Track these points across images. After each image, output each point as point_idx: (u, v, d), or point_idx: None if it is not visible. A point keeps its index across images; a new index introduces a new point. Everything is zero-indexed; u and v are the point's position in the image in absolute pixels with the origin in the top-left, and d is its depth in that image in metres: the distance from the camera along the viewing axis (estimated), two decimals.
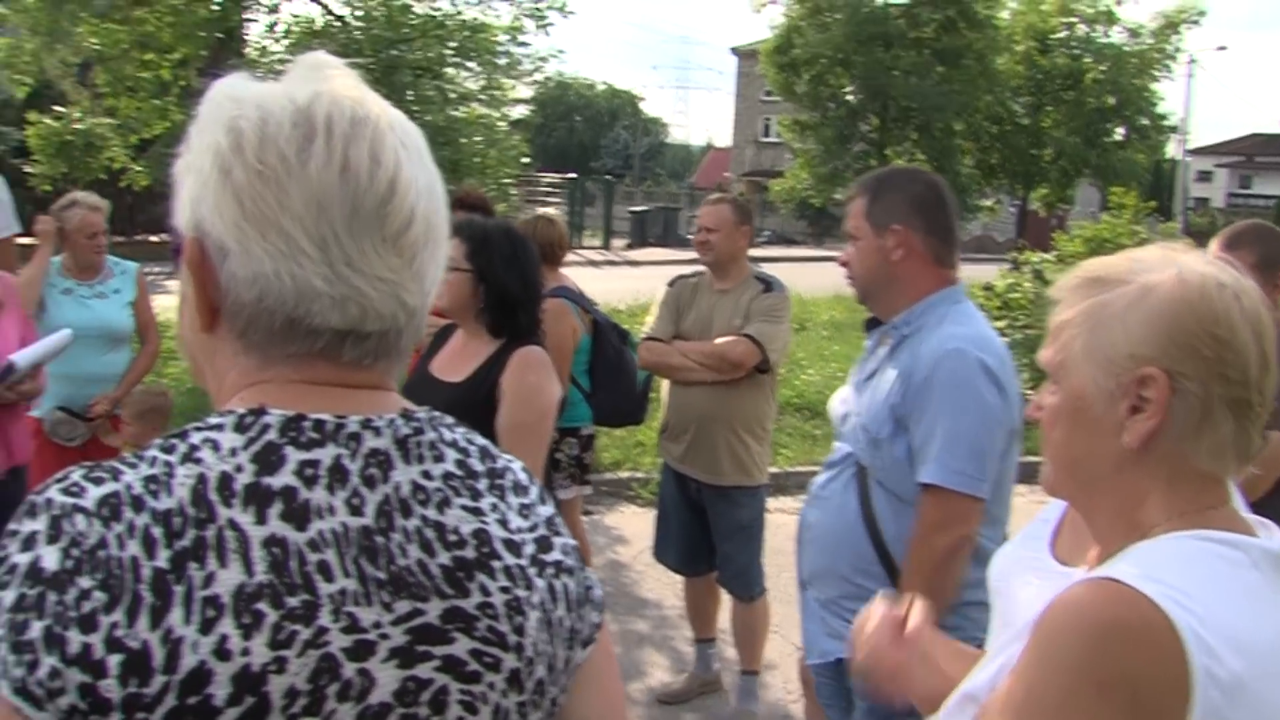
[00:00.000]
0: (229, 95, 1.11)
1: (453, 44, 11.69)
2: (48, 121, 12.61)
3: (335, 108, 1.08)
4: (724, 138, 68.00)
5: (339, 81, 1.12)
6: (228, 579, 1.00)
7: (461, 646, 1.10)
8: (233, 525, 1.02)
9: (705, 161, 74.25)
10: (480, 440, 1.24)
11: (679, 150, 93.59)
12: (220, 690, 0.98)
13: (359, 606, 1.05)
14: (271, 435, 1.07)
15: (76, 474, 1.06)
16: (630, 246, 34.78)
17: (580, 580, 1.25)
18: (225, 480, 1.03)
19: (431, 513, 1.11)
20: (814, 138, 25.74)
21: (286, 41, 12.02)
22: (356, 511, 1.07)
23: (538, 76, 12.32)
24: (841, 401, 3.18)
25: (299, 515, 1.04)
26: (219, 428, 1.07)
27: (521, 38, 12.20)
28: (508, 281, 3.47)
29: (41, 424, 4.90)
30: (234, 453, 1.05)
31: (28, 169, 12.68)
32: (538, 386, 3.43)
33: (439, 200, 1.15)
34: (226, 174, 1.06)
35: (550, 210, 6.32)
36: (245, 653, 0.99)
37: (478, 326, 3.52)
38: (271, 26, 12.16)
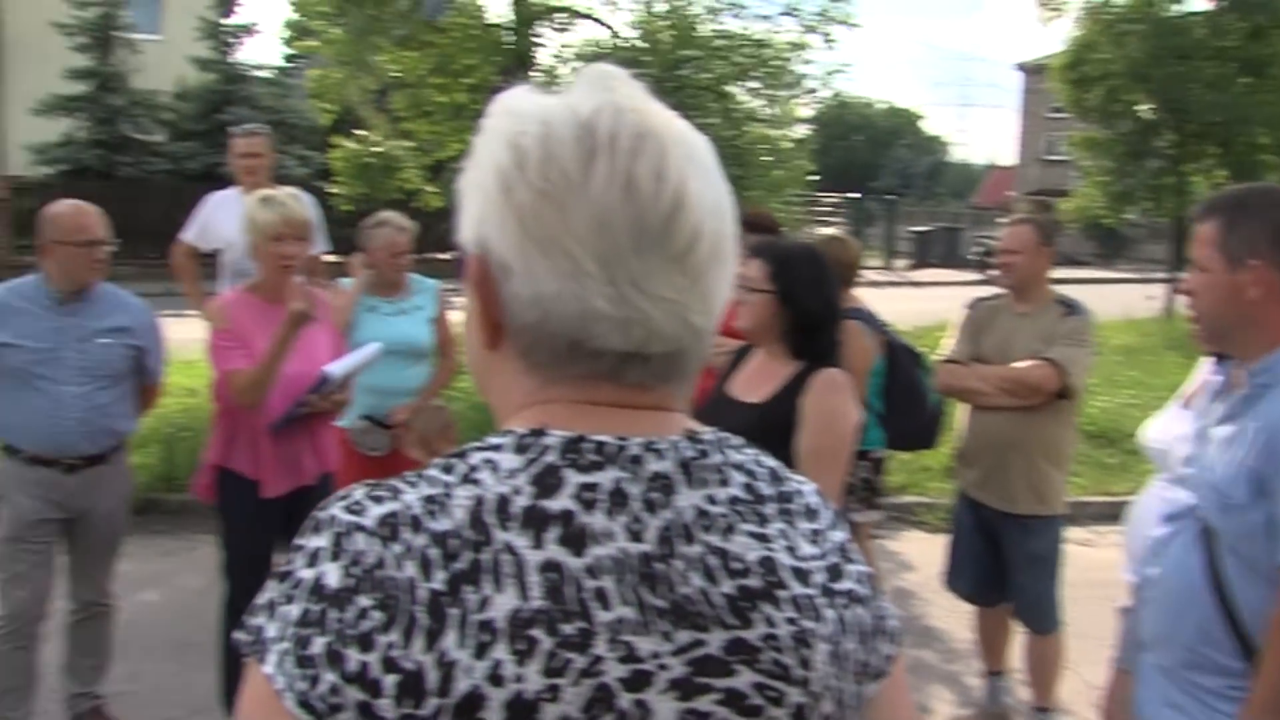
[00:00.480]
0: (512, 110, 1.10)
1: (738, 62, 11.73)
2: (349, 145, 13.23)
3: (619, 121, 1.05)
4: (1007, 156, 66.26)
5: (623, 93, 1.08)
6: (503, 604, 0.99)
7: (744, 679, 1.05)
8: (509, 549, 1.00)
9: (987, 180, 72.70)
10: (770, 462, 1.19)
11: (960, 169, 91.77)
12: (493, 716, 0.97)
13: (637, 635, 1.01)
14: (551, 457, 1.05)
15: (359, 492, 1.07)
16: (912, 267, 34.34)
17: (873, 610, 1.19)
18: (503, 502, 1.02)
19: (715, 539, 1.06)
20: (1106, 155, 24.74)
21: (575, 64, 12.33)
22: (637, 537, 1.03)
23: (823, 92, 12.25)
24: (1177, 439, 2.87)
25: (577, 540, 1.02)
26: (498, 448, 1.06)
27: (806, 55, 12.17)
28: (810, 303, 3.45)
29: (348, 434, 5.13)
30: (512, 474, 1.04)
31: (330, 190, 13.33)
32: (839, 410, 3.39)
33: (727, 217, 1.10)
34: (509, 192, 1.05)
35: (841, 231, 6.26)
36: (519, 679, 0.98)
37: (778, 348, 3.51)
38: (561, 49, 12.51)
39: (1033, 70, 48.29)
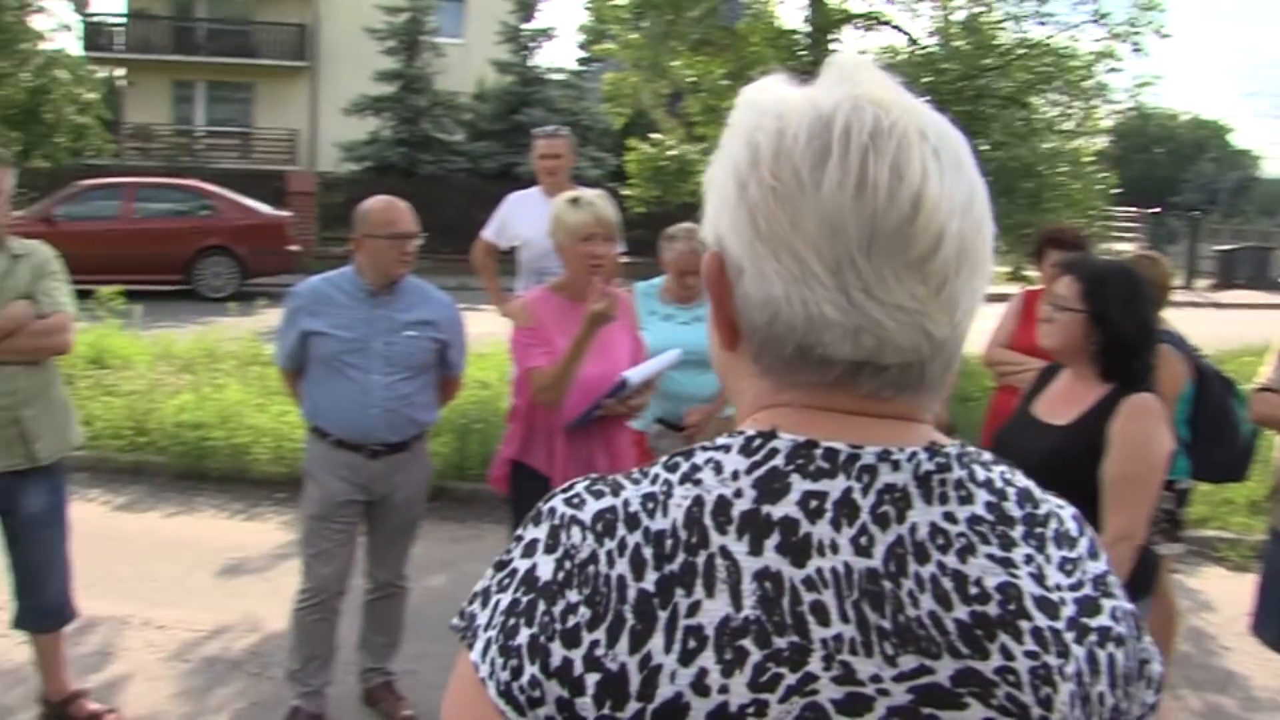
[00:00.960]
0: (754, 103, 1.05)
1: (1039, 70, 11.30)
2: (644, 148, 13.42)
3: (856, 117, 0.98)
4: None
5: (868, 85, 1.01)
6: (713, 610, 0.95)
7: (974, 714, 0.96)
8: (725, 553, 0.96)
9: None
10: (1022, 481, 1.09)
11: (1271, 185, 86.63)
12: None
13: (856, 656, 0.94)
14: (778, 461, 1.00)
15: (581, 485, 1.06)
16: (1215, 287, 32.66)
17: (1134, 652, 1.07)
18: (722, 505, 0.98)
19: (951, 560, 0.98)
20: None
21: None
22: (863, 552, 0.96)
23: (1128, 104, 11.65)
24: None
25: (797, 549, 0.96)
26: (726, 449, 1.02)
27: (1113, 64, 11.62)
28: (1124, 324, 3.30)
29: (645, 437, 5.18)
30: (735, 476, 0.99)
31: (623, 192, 13.55)
32: (1151, 436, 3.23)
33: (979, 219, 1.01)
34: (743, 189, 1.01)
35: (1148, 248, 5.98)
36: (723, 690, 0.93)
37: (1088, 369, 3.37)
38: (861, 55, 12.33)
39: None
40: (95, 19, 36.04)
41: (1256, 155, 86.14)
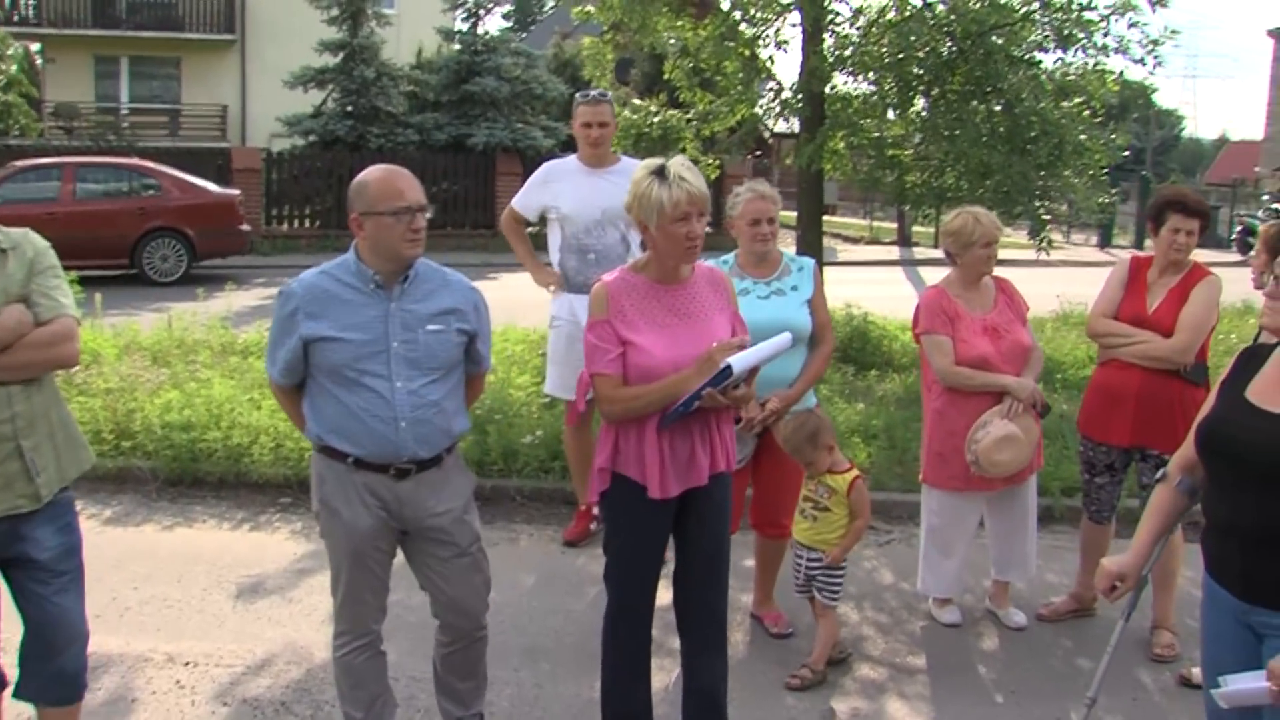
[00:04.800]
0: None
1: (1055, 28, 10.71)
2: (627, 114, 12.86)
3: None
4: (1243, 130, 63.12)
5: None
6: None
7: None
8: None
9: (1220, 156, 69.82)
10: None
11: (1189, 145, 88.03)
12: None
13: None
14: None
15: None
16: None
17: None
18: None
19: None
20: None
21: (873, 33, 11.38)
22: None
23: (1151, 62, 11.07)
24: None
25: None
26: None
27: (1134, 18, 10.99)
28: None
29: None
30: None
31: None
32: None
33: None
34: None
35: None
36: None
37: None
38: (857, 14, 11.68)
39: None
40: None
41: (1180, 116, 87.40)
